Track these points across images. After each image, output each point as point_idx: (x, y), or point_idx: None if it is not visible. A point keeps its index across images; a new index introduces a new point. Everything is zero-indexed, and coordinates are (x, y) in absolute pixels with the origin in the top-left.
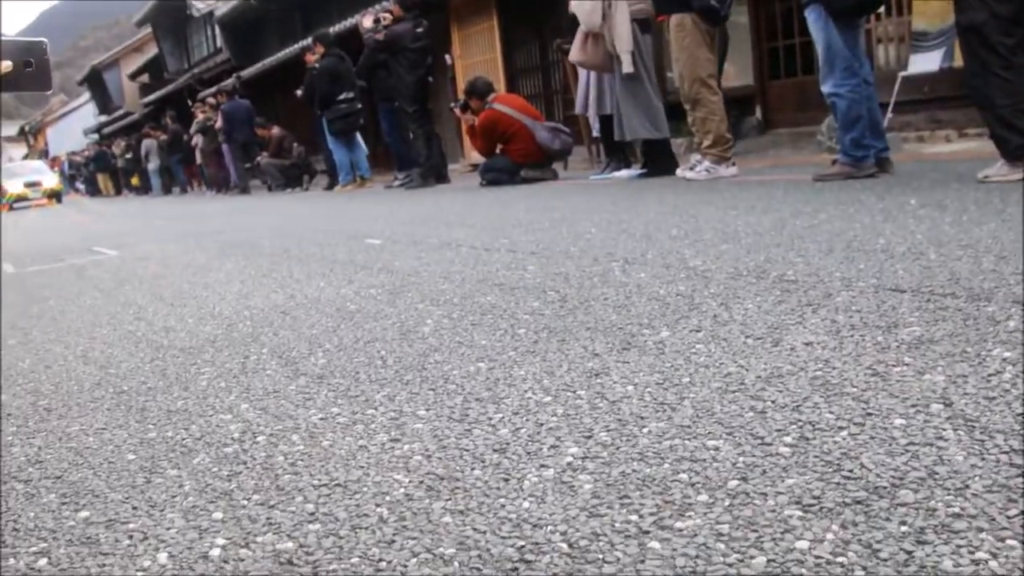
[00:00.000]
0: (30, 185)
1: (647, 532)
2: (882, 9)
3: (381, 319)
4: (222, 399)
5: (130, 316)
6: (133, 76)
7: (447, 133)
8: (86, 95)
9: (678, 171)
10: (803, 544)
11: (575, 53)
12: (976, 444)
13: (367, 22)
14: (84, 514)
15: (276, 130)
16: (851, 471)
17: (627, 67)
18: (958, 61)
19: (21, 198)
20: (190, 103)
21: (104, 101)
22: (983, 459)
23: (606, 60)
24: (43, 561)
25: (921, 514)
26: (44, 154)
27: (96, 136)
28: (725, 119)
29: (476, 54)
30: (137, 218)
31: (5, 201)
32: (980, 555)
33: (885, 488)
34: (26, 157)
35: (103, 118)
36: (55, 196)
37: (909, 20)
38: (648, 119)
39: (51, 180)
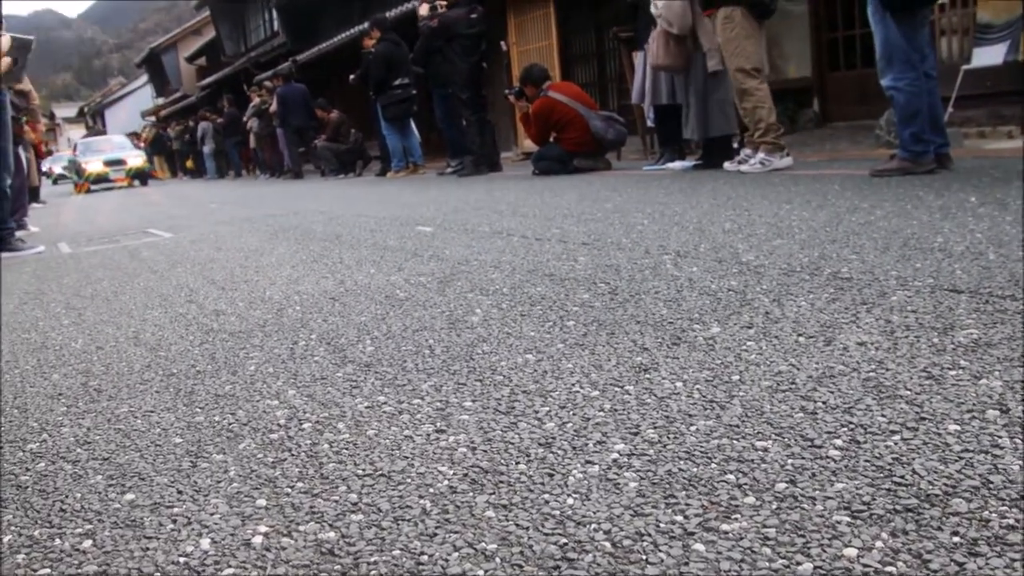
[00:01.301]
0: (111, 164)
1: (692, 533)
2: (946, 0)
3: (430, 308)
4: (269, 384)
5: (182, 299)
6: (191, 59)
7: (501, 120)
8: (144, 77)
9: (728, 164)
10: (851, 552)
11: (660, 58)
12: None
13: (423, 10)
14: (130, 497)
15: (335, 114)
16: (903, 477)
17: (715, 65)
18: (1023, 55)
19: (101, 178)
20: (246, 87)
21: (162, 84)
22: None
23: (687, 61)
24: (88, 543)
25: (974, 525)
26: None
27: (153, 119)
28: (773, 108)
29: (531, 40)
30: (192, 201)
31: (84, 180)
32: None
33: (937, 496)
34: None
35: (160, 100)
36: (139, 176)
37: (973, 12)
38: (728, 115)
39: (136, 159)
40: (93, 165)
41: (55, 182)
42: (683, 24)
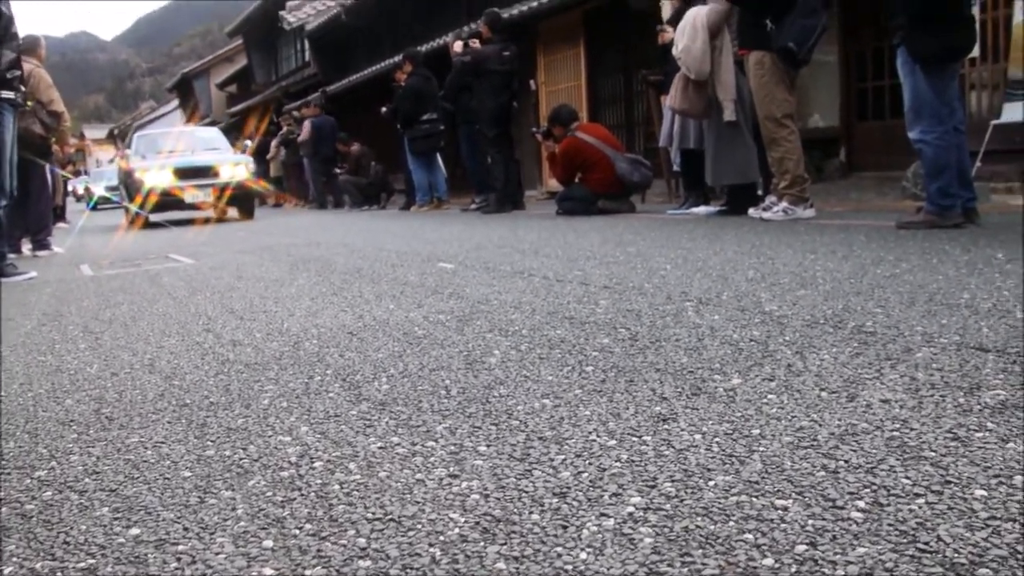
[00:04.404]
0: (189, 173)
1: None
2: (977, 54)
3: (448, 346)
4: (282, 420)
5: (199, 327)
6: (222, 85)
7: (526, 159)
8: (175, 102)
9: (752, 211)
10: None
11: (678, 102)
12: None
13: (457, 47)
14: (135, 531)
15: (356, 147)
16: (927, 543)
17: (729, 115)
18: None
19: (168, 200)
20: (274, 116)
21: (192, 109)
22: None
23: (708, 107)
24: None
25: None
26: None
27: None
28: (802, 159)
29: (560, 80)
30: (215, 227)
31: (144, 195)
32: None
33: (963, 565)
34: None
35: (190, 126)
36: (239, 200)
37: (1004, 67)
38: (738, 166)
39: (236, 167)
40: (155, 176)
41: (95, 207)
42: (700, 70)
